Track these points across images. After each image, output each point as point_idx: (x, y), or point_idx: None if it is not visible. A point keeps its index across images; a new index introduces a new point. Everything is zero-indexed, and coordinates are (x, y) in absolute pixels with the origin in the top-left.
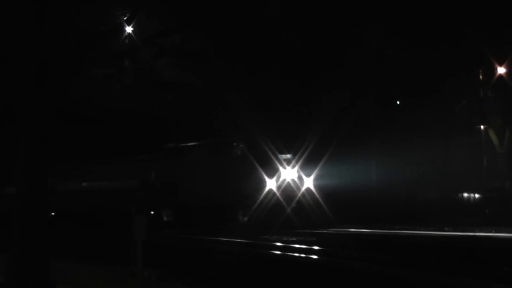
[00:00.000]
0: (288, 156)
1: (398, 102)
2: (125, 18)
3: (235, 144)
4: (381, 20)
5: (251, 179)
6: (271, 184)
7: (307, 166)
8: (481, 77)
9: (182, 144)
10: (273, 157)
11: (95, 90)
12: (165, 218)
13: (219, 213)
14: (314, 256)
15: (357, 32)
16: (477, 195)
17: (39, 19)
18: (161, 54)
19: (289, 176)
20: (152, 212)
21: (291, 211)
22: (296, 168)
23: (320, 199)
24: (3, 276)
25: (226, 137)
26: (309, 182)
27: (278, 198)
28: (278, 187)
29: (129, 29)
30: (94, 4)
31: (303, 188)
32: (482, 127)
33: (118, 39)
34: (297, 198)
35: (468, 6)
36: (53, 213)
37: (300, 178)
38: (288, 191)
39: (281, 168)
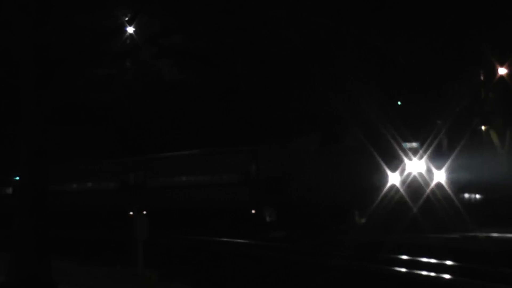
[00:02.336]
0: (414, 144)
1: (399, 103)
2: (126, 19)
3: (351, 131)
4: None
5: (369, 172)
6: (394, 178)
7: (437, 156)
8: (482, 77)
9: (288, 132)
10: (396, 146)
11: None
12: (267, 219)
13: (332, 213)
14: (447, 276)
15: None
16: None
17: (41, 20)
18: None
19: (416, 168)
20: (253, 211)
21: (418, 210)
22: (424, 159)
23: (453, 196)
24: (5, 275)
25: (340, 123)
26: (440, 176)
27: (402, 195)
28: (403, 182)
29: (130, 30)
30: (96, 6)
31: (433, 183)
32: (483, 127)
33: (120, 40)
34: (425, 195)
35: (469, 6)
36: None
37: (429, 171)
38: (414, 186)
39: (406, 159)
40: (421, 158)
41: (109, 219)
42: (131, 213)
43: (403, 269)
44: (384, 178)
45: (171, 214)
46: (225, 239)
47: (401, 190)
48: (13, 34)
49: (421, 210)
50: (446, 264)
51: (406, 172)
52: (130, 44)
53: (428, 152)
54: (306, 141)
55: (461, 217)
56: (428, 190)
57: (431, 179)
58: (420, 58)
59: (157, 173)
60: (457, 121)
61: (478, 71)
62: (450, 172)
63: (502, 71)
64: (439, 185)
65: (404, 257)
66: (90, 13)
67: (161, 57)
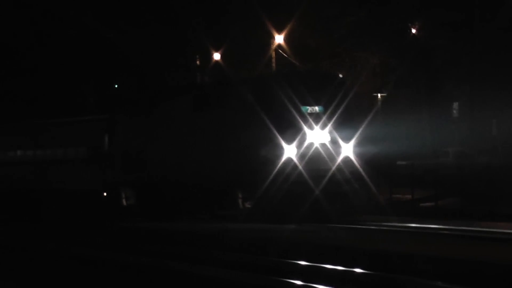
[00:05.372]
0: (317, 109)
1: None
2: None
3: (234, 91)
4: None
5: (258, 144)
6: (289, 151)
7: (346, 125)
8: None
9: (151, 94)
10: (293, 111)
11: None
12: (124, 202)
13: (208, 195)
14: None
15: None
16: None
17: None
18: None
19: (318, 139)
20: (104, 194)
21: (320, 192)
22: (329, 127)
23: (365, 176)
24: None
25: (219, 80)
26: (348, 149)
27: (300, 172)
28: (301, 156)
29: None
30: None
31: (340, 158)
32: None
33: None
34: (330, 173)
35: None
36: None
37: (335, 142)
38: (316, 162)
39: (305, 128)
40: (324, 126)
41: None
42: None
43: (299, 282)
44: (278, 151)
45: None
46: None
47: (299, 166)
48: None
49: (324, 191)
50: (355, 273)
51: (305, 144)
52: None
53: (333, 119)
54: (174, 105)
55: (376, 204)
56: (333, 167)
57: (338, 154)
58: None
59: None
60: None
61: (194, 57)
62: (360, 144)
63: (217, 56)
64: (347, 160)
65: (303, 263)
66: None
67: None
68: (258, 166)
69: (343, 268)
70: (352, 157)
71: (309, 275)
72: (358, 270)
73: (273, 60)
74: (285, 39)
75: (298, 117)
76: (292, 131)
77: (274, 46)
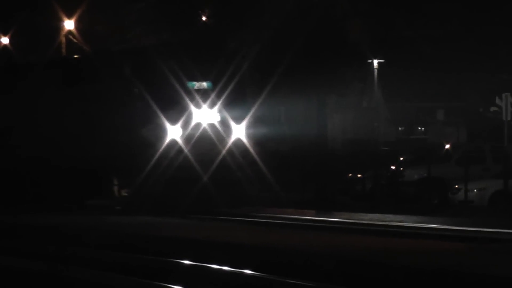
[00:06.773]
0: (205, 84)
1: None
2: None
3: (111, 63)
4: None
5: (136, 124)
6: (174, 132)
7: (237, 103)
8: None
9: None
10: (178, 87)
11: None
12: None
13: (78, 181)
14: None
15: None
16: None
17: None
18: None
19: (207, 119)
20: None
21: (209, 179)
22: (219, 106)
23: (259, 160)
24: None
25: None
26: (240, 131)
27: (187, 157)
28: (187, 138)
29: None
30: None
31: (231, 141)
32: None
33: None
34: (220, 157)
35: None
36: None
37: (225, 123)
38: (204, 145)
39: (191, 107)
40: (213, 105)
41: None
42: None
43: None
44: (160, 132)
45: None
46: None
47: (185, 149)
48: None
49: (214, 178)
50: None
51: (192, 124)
52: None
53: (223, 97)
54: (41, 79)
55: (272, 189)
56: (223, 151)
57: (228, 135)
58: None
59: None
60: None
61: None
62: (253, 125)
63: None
64: (238, 143)
65: (187, 262)
66: None
67: None
68: (136, 149)
69: (230, 269)
70: (245, 139)
71: (193, 277)
72: (247, 271)
73: (63, 45)
74: (75, 24)
75: (183, 94)
76: (176, 109)
77: (65, 31)
